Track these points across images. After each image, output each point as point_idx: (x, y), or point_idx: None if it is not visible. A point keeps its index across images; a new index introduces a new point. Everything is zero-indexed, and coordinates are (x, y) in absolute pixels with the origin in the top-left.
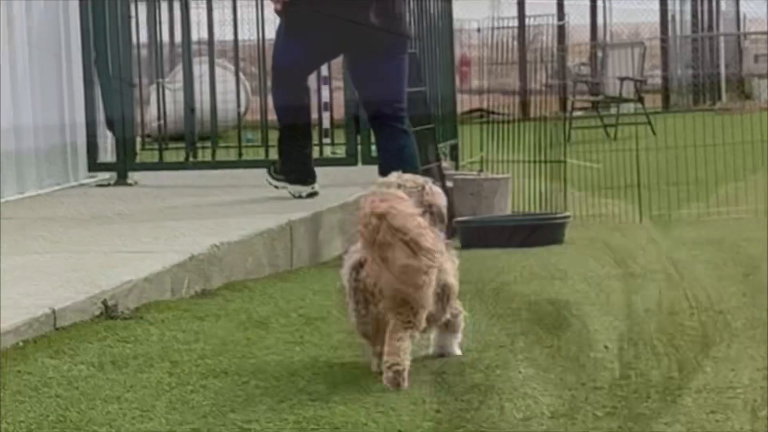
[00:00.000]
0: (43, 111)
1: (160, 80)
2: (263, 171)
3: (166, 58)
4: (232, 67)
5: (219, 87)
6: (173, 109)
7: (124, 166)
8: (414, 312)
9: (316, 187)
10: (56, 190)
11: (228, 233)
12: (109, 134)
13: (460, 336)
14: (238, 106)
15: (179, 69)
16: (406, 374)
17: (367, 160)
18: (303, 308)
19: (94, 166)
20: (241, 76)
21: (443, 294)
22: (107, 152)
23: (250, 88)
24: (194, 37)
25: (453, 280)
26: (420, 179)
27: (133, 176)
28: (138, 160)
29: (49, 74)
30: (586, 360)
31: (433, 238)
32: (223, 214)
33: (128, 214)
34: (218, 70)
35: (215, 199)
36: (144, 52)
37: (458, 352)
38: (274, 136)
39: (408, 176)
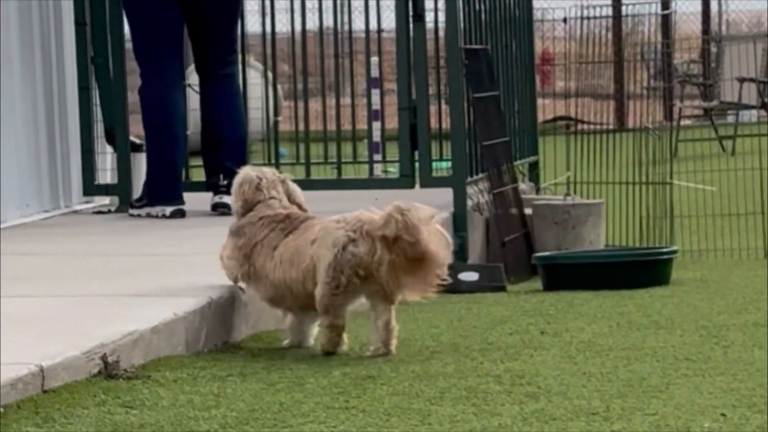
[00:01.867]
0: (28, 121)
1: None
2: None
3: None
4: (260, 66)
5: (245, 91)
6: (191, 117)
7: (127, 189)
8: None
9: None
10: (44, 219)
11: None
12: (110, 149)
13: None
14: (268, 114)
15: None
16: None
17: (427, 182)
18: (348, 365)
19: (90, 188)
20: (271, 76)
21: None
22: (107, 172)
23: (282, 92)
24: None
25: None
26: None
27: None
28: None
29: (34, 76)
30: None
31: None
32: None
33: (133, 249)
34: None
35: None
36: None
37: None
38: (314, 151)
39: (267, 169)
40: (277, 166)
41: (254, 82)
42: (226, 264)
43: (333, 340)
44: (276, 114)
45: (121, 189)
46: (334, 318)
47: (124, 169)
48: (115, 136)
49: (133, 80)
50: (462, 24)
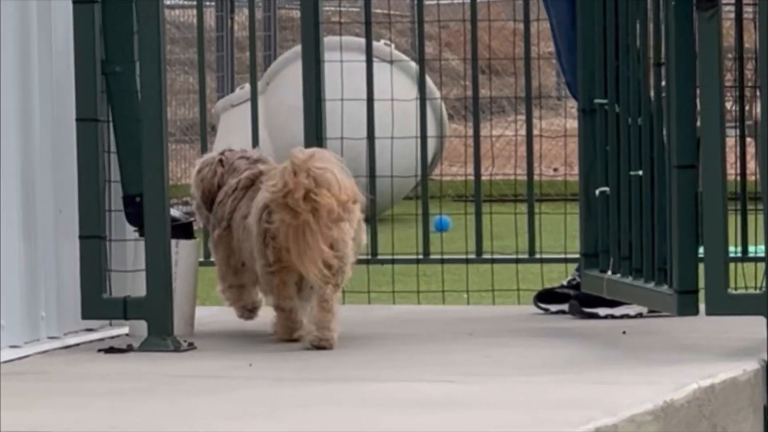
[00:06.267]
0: None
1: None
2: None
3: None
4: (403, 58)
5: (376, 107)
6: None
7: (165, 306)
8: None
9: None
10: (12, 360)
11: None
12: (132, 232)
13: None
14: (423, 151)
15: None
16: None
17: (720, 304)
18: None
19: (94, 306)
20: (429, 82)
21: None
22: (125, 277)
23: (445, 109)
24: None
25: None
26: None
27: (185, 327)
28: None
29: None
30: None
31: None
32: None
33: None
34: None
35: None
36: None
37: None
38: (505, 219)
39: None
40: (427, 249)
41: (396, 83)
42: (225, 295)
43: (285, 325)
44: (424, 150)
45: (153, 307)
46: (278, 299)
47: (159, 269)
48: (144, 207)
49: (184, 101)
50: None
